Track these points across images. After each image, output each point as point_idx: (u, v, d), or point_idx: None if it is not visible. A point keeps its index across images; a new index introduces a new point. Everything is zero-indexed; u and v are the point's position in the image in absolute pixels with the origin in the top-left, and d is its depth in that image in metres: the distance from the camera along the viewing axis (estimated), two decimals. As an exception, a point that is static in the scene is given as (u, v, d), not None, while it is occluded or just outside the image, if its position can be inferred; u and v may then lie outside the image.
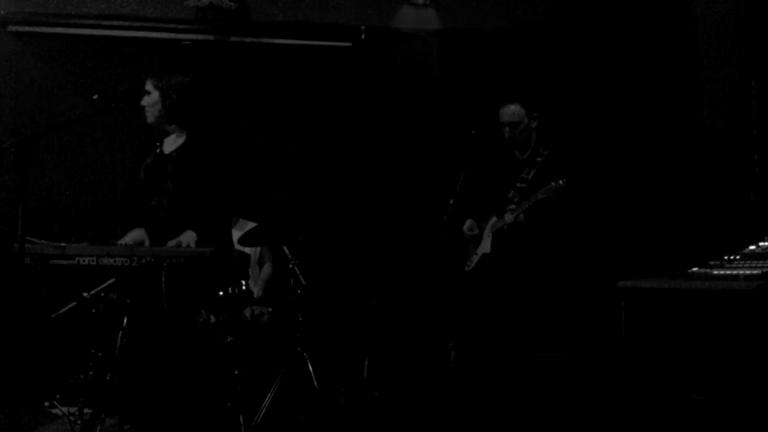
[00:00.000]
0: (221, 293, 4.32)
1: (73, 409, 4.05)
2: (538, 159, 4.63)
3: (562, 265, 4.59)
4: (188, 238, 3.79)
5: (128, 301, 3.89)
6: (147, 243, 3.87)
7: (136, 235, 3.90)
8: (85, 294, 4.13)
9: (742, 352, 2.71)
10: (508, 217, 4.56)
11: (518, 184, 4.63)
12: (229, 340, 4.04)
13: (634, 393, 3.17)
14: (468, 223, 4.85)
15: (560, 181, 4.32)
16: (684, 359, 2.94)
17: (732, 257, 3.13)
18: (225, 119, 5.73)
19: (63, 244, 3.57)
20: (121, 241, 3.83)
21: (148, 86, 4.00)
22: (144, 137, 4.24)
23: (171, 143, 4.11)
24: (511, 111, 4.66)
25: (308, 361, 4.40)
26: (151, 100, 3.99)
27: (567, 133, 5.13)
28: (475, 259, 4.78)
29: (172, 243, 3.75)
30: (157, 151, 4.09)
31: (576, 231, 4.62)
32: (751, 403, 2.67)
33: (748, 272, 2.89)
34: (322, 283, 5.37)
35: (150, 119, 4.04)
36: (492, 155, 4.84)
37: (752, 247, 3.17)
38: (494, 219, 4.71)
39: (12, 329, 3.67)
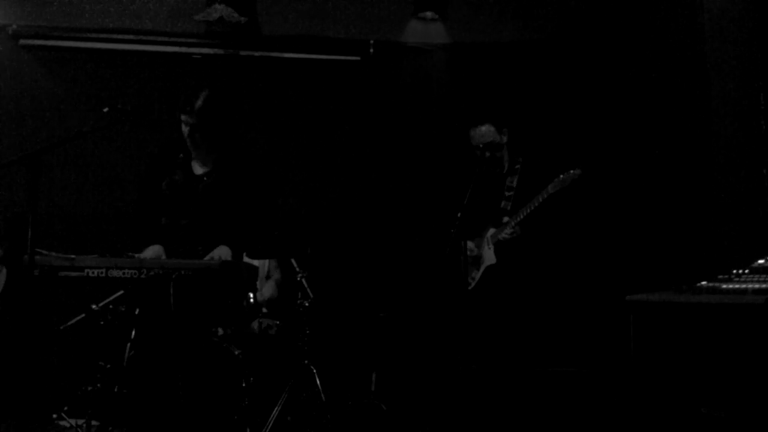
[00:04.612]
0: (229, 305, 4.32)
1: (81, 421, 4.05)
2: (517, 167, 4.78)
3: (570, 277, 4.60)
4: (222, 253, 3.84)
5: (136, 313, 3.90)
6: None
7: (153, 252, 3.91)
8: (93, 306, 4.14)
9: (751, 367, 2.70)
10: (507, 231, 4.58)
11: (507, 193, 4.75)
12: (236, 352, 4.04)
13: (643, 407, 3.15)
14: (468, 244, 4.85)
15: (571, 171, 4.35)
16: (693, 373, 2.93)
17: (741, 271, 3.12)
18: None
19: (72, 256, 3.59)
20: (138, 256, 3.83)
21: (184, 118, 3.98)
22: (156, 150, 4.25)
23: (201, 163, 4.11)
24: (483, 132, 4.75)
25: (316, 375, 4.39)
26: (191, 131, 3.99)
27: (535, 145, 5.16)
28: (478, 274, 4.78)
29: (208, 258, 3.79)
30: (186, 168, 4.10)
31: (584, 239, 4.64)
32: (760, 417, 2.66)
33: (756, 286, 2.88)
34: (330, 296, 5.36)
35: (195, 152, 4.05)
36: (483, 170, 4.84)
37: (761, 261, 3.16)
38: (492, 230, 4.73)
39: (20, 341, 3.68)
